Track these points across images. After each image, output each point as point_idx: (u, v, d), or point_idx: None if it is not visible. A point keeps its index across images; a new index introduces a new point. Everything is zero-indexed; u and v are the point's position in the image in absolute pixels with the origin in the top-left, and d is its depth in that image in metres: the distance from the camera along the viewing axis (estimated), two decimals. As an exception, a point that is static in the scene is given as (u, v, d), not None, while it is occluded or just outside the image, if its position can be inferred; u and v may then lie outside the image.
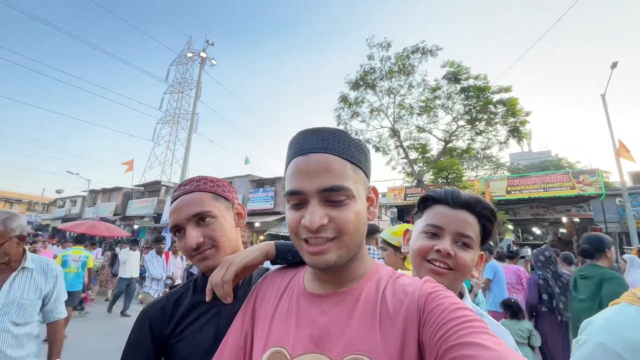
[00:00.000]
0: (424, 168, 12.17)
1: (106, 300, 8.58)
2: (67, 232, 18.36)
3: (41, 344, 1.80)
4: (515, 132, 10.47)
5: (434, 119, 12.06)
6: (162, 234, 11.09)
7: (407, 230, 1.00)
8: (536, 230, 16.23)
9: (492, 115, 10.67)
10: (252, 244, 0.91)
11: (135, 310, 7.12)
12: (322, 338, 0.57)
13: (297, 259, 0.77)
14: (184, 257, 5.22)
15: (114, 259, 10.37)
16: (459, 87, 10.89)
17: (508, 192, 12.97)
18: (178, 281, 5.78)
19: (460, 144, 11.96)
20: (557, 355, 3.34)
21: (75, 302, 5.91)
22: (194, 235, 0.82)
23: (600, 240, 2.54)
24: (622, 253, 10.33)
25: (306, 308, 0.62)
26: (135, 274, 7.65)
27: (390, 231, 1.89)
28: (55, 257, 6.39)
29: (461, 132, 11.62)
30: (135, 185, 24.06)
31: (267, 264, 0.85)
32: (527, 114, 10.29)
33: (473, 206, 0.85)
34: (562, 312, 3.35)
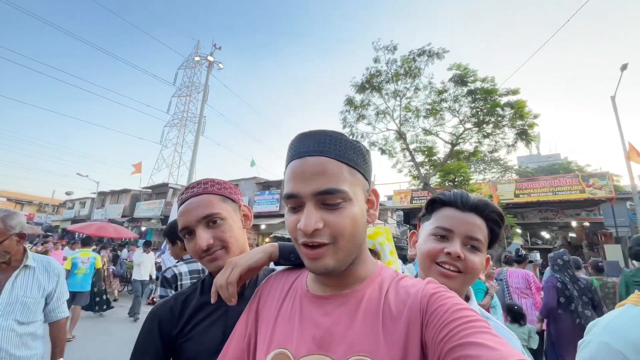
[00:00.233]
0: (431, 171, 12.09)
1: (114, 300, 8.68)
2: (76, 234, 18.64)
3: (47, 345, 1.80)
4: (523, 135, 10.34)
5: (440, 121, 11.98)
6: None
7: (413, 233, 1.00)
8: (545, 235, 16.01)
9: (499, 118, 10.56)
10: (257, 246, 0.92)
11: (145, 312, 7.16)
12: (325, 339, 0.57)
13: (300, 260, 0.78)
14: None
15: (115, 260, 10.48)
16: (465, 89, 10.81)
17: (516, 196, 12.82)
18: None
19: (467, 146, 11.85)
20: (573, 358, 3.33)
21: (85, 301, 6.04)
22: (204, 236, 0.83)
23: None
24: (634, 258, 10.09)
25: (309, 310, 0.62)
26: (147, 276, 7.73)
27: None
28: (64, 259, 6.56)
29: (468, 135, 11.52)
30: (143, 188, 24.32)
31: (272, 265, 0.86)
32: (535, 117, 10.17)
33: (482, 209, 0.85)
34: (581, 315, 3.37)
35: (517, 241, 12.46)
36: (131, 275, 8.51)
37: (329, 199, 0.56)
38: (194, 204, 0.86)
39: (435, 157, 12.19)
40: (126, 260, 10.42)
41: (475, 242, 0.83)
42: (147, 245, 8.16)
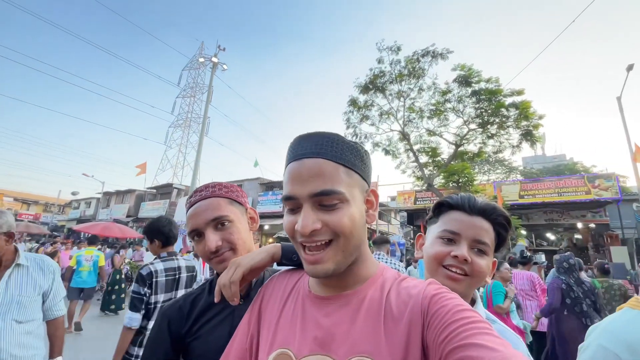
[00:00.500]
0: (435, 172, 12.05)
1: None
2: (82, 233, 18.79)
3: (47, 344, 1.77)
4: (528, 136, 10.28)
5: (444, 122, 11.95)
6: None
7: (419, 236, 1.00)
8: (550, 236, 15.88)
9: (504, 119, 10.51)
10: (260, 246, 0.93)
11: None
12: (327, 340, 0.57)
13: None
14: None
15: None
16: (470, 90, 10.77)
17: (521, 197, 12.74)
18: None
19: (472, 147, 11.81)
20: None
21: (91, 297, 6.38)
22: (213, 239, 0.85)
23: None
24: (641, 260, 10.02)
25: (311, 310, 0.63)
26: None
27: None
28: (70, 257, 6.73)
29: (472, 136, 11.48)
30: (148, 188, 24.50)
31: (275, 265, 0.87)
32: (540, 117, 10.10)
33: (489, 213, 0.85)
34: (587, 315, 3.45)
35: (522, 243, 12.40)
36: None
37: (325, 200, 0.57)
38: (202, 207, 0.88)
39: (439, 158, 12.15)
40: (131, 260, 10.45)
41: (482, 246, 0.83)
42: None
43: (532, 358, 0.80)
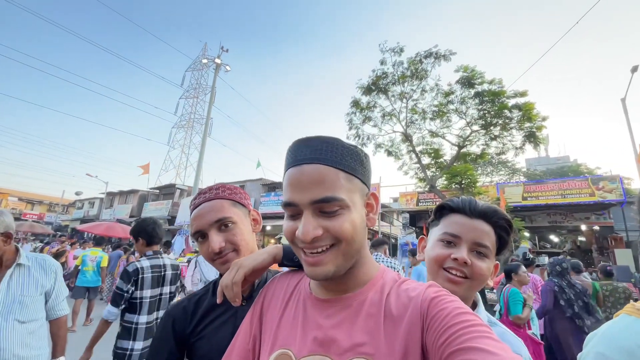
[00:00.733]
0: (437, 173, 12.01)
1: None
2: (85, 233, 18.90)
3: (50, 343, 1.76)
4: (532, 138, 10.23)
5: (447, 123, 11.92)
6: (175, 236, 11.28)
7: (422, 238, 1.01)
8: (554, 238, 15.78)
9: (507, 120, 10.47)
10: (263, 247, 0.94)
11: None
12: (326, 341, 0.58)
13: None
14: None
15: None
16: (473, 91, 10.75)
17: (524, 199, 12.67)
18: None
19: (475, 149, 11.77)
20: (572, 356, 3.46)
21: (96, 296, 6.67)
22: (216, 240, 0.87)
23: None
24: (646, 263, 9.93)
25: (312, 312, 0.63)
26: None
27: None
28: (75, 257, 6.88)
29: (475, 137, 11.44)
30: (151, 188, 24.59)
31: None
32: (543, 119, 10.05)
33: (490, 216, 0.86)
34: (579, 316, 3.53)
35: (525, 245, 12.30)
36: None
37: (326, 207, 0.57)
38: (206, 209, 0.90)
39: (441, 160, 12.12)
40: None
41: (482, 249, 0.83)
42: (167, 246, 7.64)
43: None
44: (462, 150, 11.54)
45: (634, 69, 10.27)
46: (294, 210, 0.59)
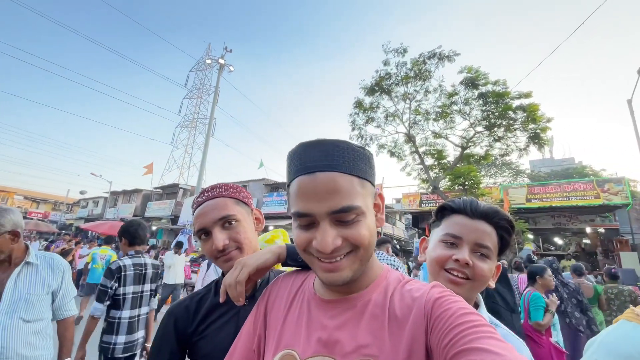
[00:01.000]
0: (440, 174, 11.97)
1: None
2: (90, 232, 19.02)
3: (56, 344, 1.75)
4: (536, 139, 10.17)
5: (450, 124, 11.88)
6: (178, 235, 11.32)
7: (423, 239, 1.00)
8: (558, 241, 15.66)
9: (511, 121, 10.42)
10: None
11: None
12: (331, 342, 0.58)
13: None
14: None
15: None
16: (476, 92, 10.71)
17: (528, 200, 12.60)
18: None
19: (478, 150, 11.72)
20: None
21: None
22: (220, 237, 0.87)
23: None
24: (651, 266, 9.82)
25: (316, 312, 0.63)
26: (180, 279, 7.12)
27: (263, 239, 1.81)
28: (81, 256, 7.01)
29: (479, 138, 11.39)
30: (154, 188, 24.73)
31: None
32: (548, 120, 9.99)
33: (491, 217, 0.85)
34: (571, 315, 3.65)
35: (529, 247, 12.24)
36: None
37: (344, 217, 0.55)
38: (210, 207, 0.90)
39: (445, 161, 12.07)
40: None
41: (484, 250, 0.83)
42: (179, 247, 7.60)
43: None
44: (465, 152, 11.49)
45: (641, 70, 10.15)
46: (308, 221, 0.57)
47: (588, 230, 12.65)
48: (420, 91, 11.74)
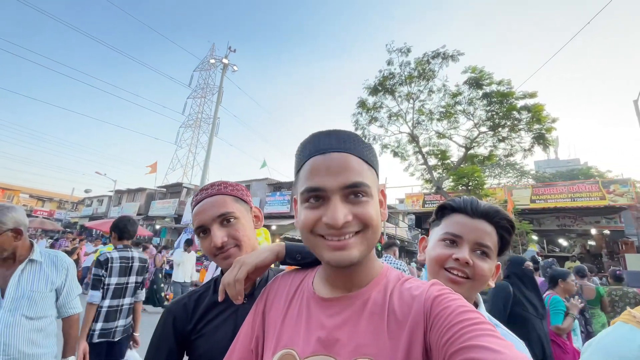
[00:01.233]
0: (444, 175, 11.92)
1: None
2: (94, 230, 19.18)
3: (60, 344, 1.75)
4: (541, 139, 10.10)
5: (454, 124, 11.84)
6: (181, 234, 11.38)
7: (423, 238, 1.00)
8: (563, 242, 15.53)
9: (515, 122, 10.35)
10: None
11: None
12: (330, 341, 0.57)
13: (306, 260, 0.79)
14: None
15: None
16: (481, 92, 10.64)
17: (532, 201, 12.51)
18: None
19: (482, 150, 11.66)
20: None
21: None
22: (219, 234, 0.87)
23: None
24: (657, 268, 9.71)
25: (316, 312, 0.63)
26: (189, 278, 7.01)
27: None
28: (86, 254, 7.10)
29: (483, 139, 11.33)
30: (158, 187, 24.86)
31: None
32: (553, 121, 9.91)
33: (492, 216, 0.84)
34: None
35: (533, 248, 12.13)
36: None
37: (355, 191, 0.57)
38: (209, 204, 0.90)
39: (448, 161, 12.02)
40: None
41: (484, 249, 0.82)
42: (189, 244, 7.42)
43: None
44: (469, 152, 11.43)
45: (647, 71, 10.04)
46: (318, 196, 0.58)
47: (593, 231, 12.52)
48: (424, 91, 11.70)
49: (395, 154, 12.72)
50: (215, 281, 0.96)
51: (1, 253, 1.56)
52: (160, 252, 8.86)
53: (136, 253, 2.80)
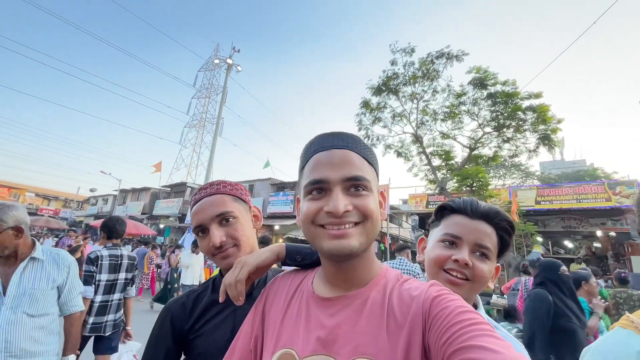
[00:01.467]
0: (448, 175, 11.86)
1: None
2: (99, 229, 19.22)
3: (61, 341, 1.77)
4: (546, 140, 10.01)
5: (458, 125, 11.77)
6: (185, 233, 11.42)
7: (422, 239, 0.99)
8: (568, 244, 15.38)
9: (520, 122, 10.27)
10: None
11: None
12: (329, 340, 0.58)
13: (306, 261, 0.79)
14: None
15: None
16: (485, 92, 10.58)
17: (537, 203, 12.39)
18: None
19: (487, 151, 11.58)
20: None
21: None
22: (217, 234, 0.86)
23: None
24: (664, 271, 9.59)
25: (315, 311, 0.63)
26: (198, 280, 6.83)
27: None
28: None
29: (487, 139, 11.25)
30: (162, 186, 25.00)
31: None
32: (559, 122, 9.82)
33: (492, 217, 0.84)
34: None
35: (538, 250, 12.03)
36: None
37: (356, 184, 0.60)
38: (207, 203, 0.90)
39: (452, 162, 11.95)
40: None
41: (484, 250, 0.82)
42: (196, 245, 7.17)
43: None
44: (473, 153, 11.36)
45: (655, 71, 9.91)
46: (321, 187, 0.61)
47: (599, 233, 12.39)
48: (428, 91, 11.66)
49: (399, 155, 12.68)
50: (214, 281, 0.96)
51: (2, 251, 1.57)
52: (174, 251, 8.89)
53: (125, 251, 2.92)
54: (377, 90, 11.96)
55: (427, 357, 0.51)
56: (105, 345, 2.68)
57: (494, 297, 6.87)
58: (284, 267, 0.94)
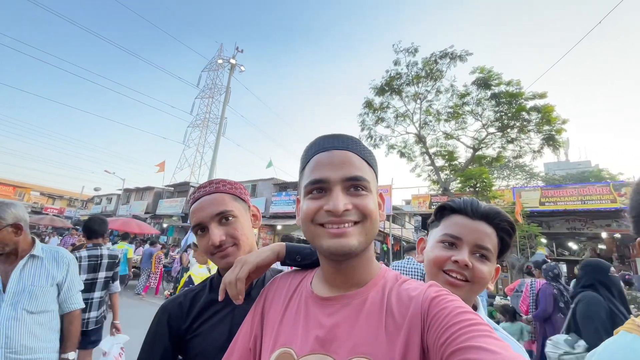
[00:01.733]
0: (451, 176, 11.81)
1: None
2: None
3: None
4: (550, 141, 9.94)
5: (462, 125, 11.73)
6: (188, 232, 11.47)
7: (421, 239, 0.98)
8: (572, 245, 15.26)
9: (525, 123, 10.21)
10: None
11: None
12: (328, 340, 0.58)
13: (306, 261, 0.79)
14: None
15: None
16: (489, 93, 10.52)
17: (541, 204, 12.28)
18: None
19: (490, 151, 11.53)
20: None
21: (123, 283, 7.56)
22: (216, 233, 0.86)
23: None
24: (671, 274, 9.48)
25: (314, 310, 0.63)
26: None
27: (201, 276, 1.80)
28: None
29: (491, 140, 11.20)
30: (166, 186, 25.11)
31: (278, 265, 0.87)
32: (563, 122, 9.75)
33: (492, 218, 0.83)
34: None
35: (542, 251, 11.94)
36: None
37: (355, 184, 0.61)
38: (207, 202, 0.89)
39: (456, 162, 11.91)
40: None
41: (484, 251, 0.81)
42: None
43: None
44: (477, 153, 11.31)
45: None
46: (321, 187, 0.61)
47: (604, 235, 12.26)
48: (432, 91, 11.62)
49: (402, 155, 12.66)
50: (212, 280, 0.95)
51: (2, 248, 1.58)
52: (186, 250, 9.00)
53: (106, 250, 2.97)
54: (380, 91, 11.94)
55: (425, 357, 0.51)
56: (85, 340, 2.70)
57: (497, 298, 6.83)
58: (282, 267, 0.94)
